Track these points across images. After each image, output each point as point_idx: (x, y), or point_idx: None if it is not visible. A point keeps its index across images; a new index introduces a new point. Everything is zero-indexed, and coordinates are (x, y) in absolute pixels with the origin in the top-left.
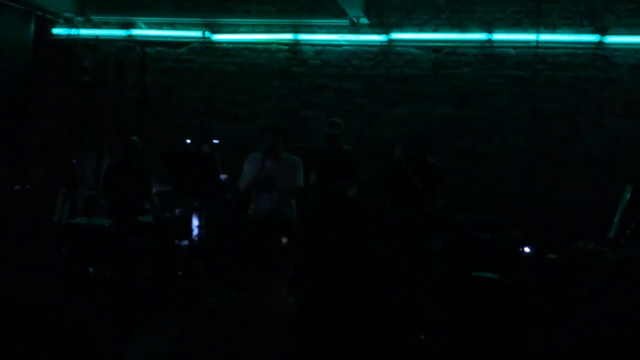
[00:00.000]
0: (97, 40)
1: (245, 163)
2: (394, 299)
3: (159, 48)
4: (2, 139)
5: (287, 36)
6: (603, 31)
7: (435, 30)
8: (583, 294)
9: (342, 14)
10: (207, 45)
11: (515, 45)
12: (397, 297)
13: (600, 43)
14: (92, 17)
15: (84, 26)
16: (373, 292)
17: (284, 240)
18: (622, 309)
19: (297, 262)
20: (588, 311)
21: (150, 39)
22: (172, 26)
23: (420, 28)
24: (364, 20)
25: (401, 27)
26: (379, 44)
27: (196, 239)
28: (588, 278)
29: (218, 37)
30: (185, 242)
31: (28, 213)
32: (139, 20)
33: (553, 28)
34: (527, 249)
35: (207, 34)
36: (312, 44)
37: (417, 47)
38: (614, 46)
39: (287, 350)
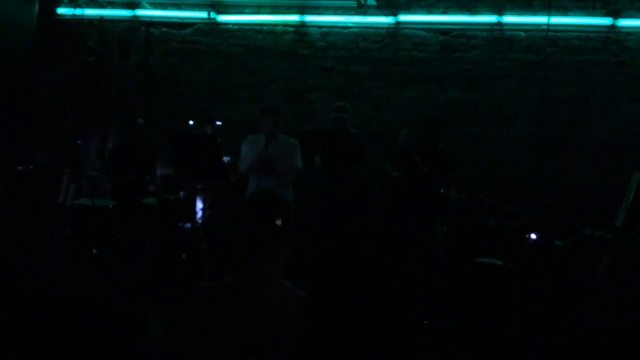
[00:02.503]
0: (101, 20)
1: (242, 145)
2: (398, 281)
3: (164, 29)
4: (7, 119)
5: (293, 17)
6: (615, 14)
7: (443, 12)
8: (593, 279)
9: None
10: (213, 27)
11: (525, 28)
12: (402, 279)
13: (613, 27)
14: None
15: (88, 6)
16: (378, 274)
17: (279, 222)
18: (631, 295)
19: (295, 246)
20: (597, 297)
21: (155, 19)
22: (177, 6)
23: (429, 10)
24: (371, 2)
25: (409, 9)
26: (386, 26)
27: (200, 221)
28: (601, 263)
29: (223, 17)
30: (189, 225)
31: (33, 194)
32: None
33: (564, 11)
34: (533, 236)
35: (213, 14)
36: (319, 26)
37: (425, 30)
38: (627, 30)
39: (281, 332)
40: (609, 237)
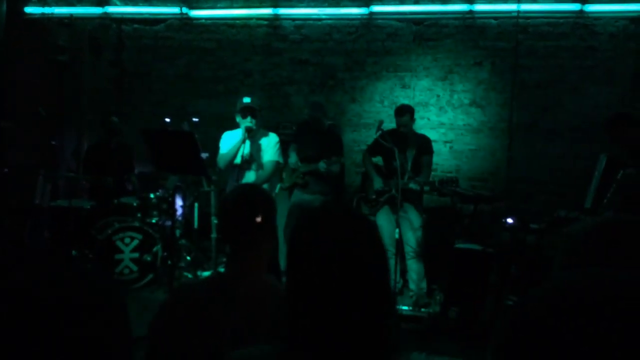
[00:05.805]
0: (71, 18)
1: (221, 141)
2: (376, 271)
3: (135, 25)
4: None
5: (267, 11)
6: (583, 0)
7: (416, 2)
8: (552, 266)
9: None
10: (185, 22)
11: (496, 15)
12: (380, 269)
13: (581, 12)
14: None
15: (57, 4)
16: (359, 266)
17: (259, 217)
18: (590, 271)
19: (276, 240)
20: (555, 276)
21: (126, 16)
22: (149, 2)
23: (401, 0)
24: None
25: (382, 0)
26: (359, 17)
27: (180, 218)
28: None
29: (196, 12)
30: (169, 222)
31: (8, 196)
32: None
33: None
34: (510, 220)
35: (185, 9)
36: (292, 19)
37: (398, 20)
38: (595, 15)
39: (264, 327)
40: (582, 218)
